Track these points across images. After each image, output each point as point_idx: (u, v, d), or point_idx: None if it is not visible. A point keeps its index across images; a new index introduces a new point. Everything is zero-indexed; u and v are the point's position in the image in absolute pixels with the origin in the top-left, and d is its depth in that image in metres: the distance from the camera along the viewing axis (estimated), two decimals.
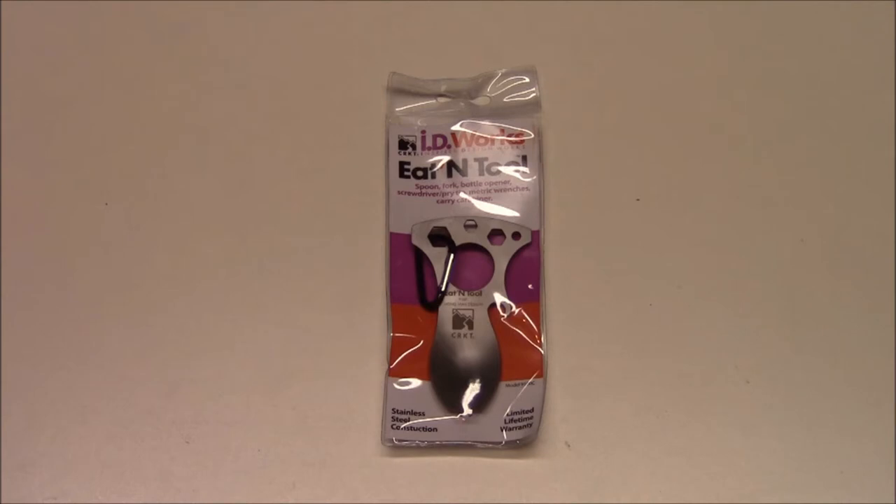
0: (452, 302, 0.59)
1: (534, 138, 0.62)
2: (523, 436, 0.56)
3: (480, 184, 0.61)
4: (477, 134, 0.62)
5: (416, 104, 0.63)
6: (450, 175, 0.61)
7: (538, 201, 0.61)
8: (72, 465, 0.56)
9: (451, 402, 0.57)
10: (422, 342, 0.58)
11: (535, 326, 0.58)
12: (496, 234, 0.60)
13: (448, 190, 0.61)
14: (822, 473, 0.56)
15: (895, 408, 0.57)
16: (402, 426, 0.56)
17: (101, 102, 0.64)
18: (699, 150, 0.62)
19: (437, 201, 0.61)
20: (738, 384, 0.58)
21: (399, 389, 0.57)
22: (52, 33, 0.65)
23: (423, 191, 0.61)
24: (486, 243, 0.60)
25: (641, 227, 0.61)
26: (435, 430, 0.56)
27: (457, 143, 0.62)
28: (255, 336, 0.59)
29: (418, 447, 0.56)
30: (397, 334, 0.58)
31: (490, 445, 0.56)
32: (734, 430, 0.57)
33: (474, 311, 0.59)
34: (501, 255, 0.59)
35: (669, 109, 0.63)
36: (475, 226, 0.60)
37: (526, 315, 0.58)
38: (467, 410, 0.56)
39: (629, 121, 0.63)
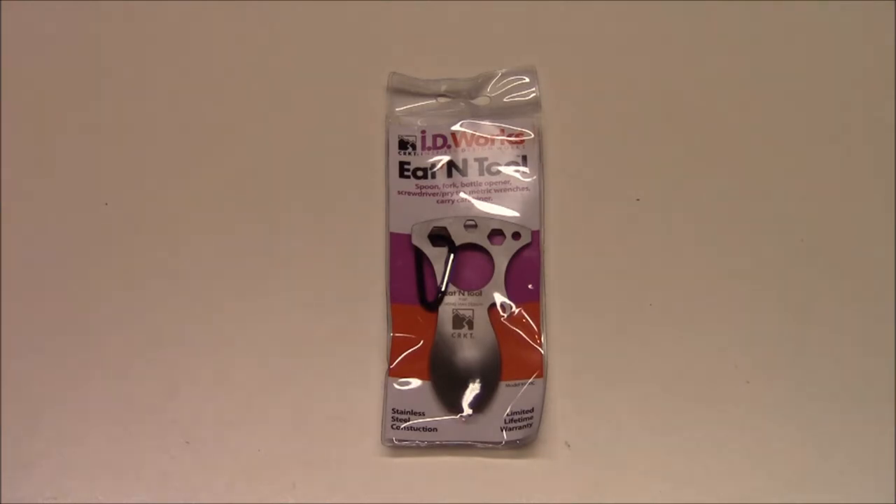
0: (452, 302, 0.59)
1: (534, 138, 0.62)
2: (523, 436, 0.56)
3: (480, 184, 0.61)
4: (477, 134, 0.62)
5: (416, 104, 0.63)
6: (450, 175, 0.61)
7: (538, 201, 0.61)
8: (72, 465, 0.56)
9: (451, 402, 0.57)
10: (422, 342, 0.58)
11: (535, 326, 0.58)
12: (496, 234, 0.60)
13: (448, 190, 0.61)
14: (822, 473, 0.56)
15: (895, 408, 0.57)
16: (402, 426, 0.56)
17: (102, 102, 0.64)
18: (699, 150, 0.62)
19: (437, 201, 0.61)
20: (738, 384, 0.58)
21: (399, 389, 0.57)
22: (52, 33, 0.65)
23: (423, 191, 0.61)
24: (486, 243, 0.60)
25: (641, 227, 0.61)
26: (435, 430, 0.56)
27: (457, 143, 0.62)
28: (255, 336, 0.59)
29: (418, 447, 0.56)
30: (397, 334, 0.58)
31: (490, 445, 0.56)
32: (734, 430, 0.57)
33: (474, 311, 0.59)
34: (501, 255, 0.59)
35: (669, 109, 0.63)
36: (475, 226, 0.60)
37: (526, 315, 0.58)
38: (467, 410, 0.56)
39: (629, 121, 0.63)
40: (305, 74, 0.64)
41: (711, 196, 0.61)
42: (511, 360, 0.57)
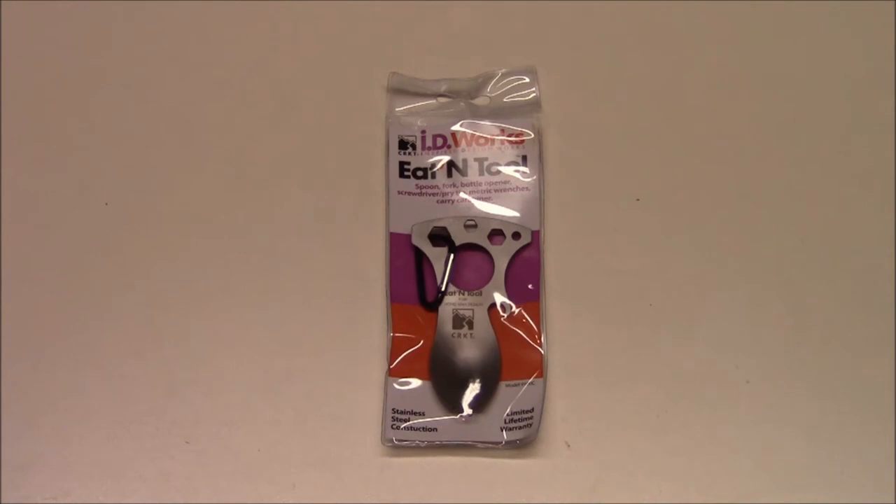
0: (452, 302, 0.59)
1: (534, 138, 0.62)
2: (523, 436, 0.56)
3: (480, 184, 0.61)
4: (477, 134, 0.62)
5: (416, 104, 0.63)
6: (450, 175, 0.61)
7: (538, 201, 0.61)
8: (72, 465, 0.56)
9: (451, 402, 0.57)
10: (422, 342, 0.58)
11: (535, 326, 0.58)
12: (496, 234, 0.60)
13: (448, 190, 0.61)
14: (822, 473, 0.56)
15: (895, 408, 0.57)
16: (402, 426, 0.56)
17: (102, 102, 0.64)
18: (699, 150, 0.62)
19: (437, 201, 0.61)
20: (738, 384, 0.58)
21: (399, 389, 0.57)
22: (52, 33, 0.65)
23: (423, 191, 0.61)
24: (486, 243, 0.60)
25: (641, 227, 0.61)
26: (435, 430, 0.56)
27: (457, 143, 0.62)
28: (255, 336, 0.59)
29: (418, 447, 0.56)
30: (397, 334, 0.58)
31: (490, 445, 0.56)
32: (734, 430, 0.57)
33: (474, 311, 0.59)
34: (501, 255, 0.59)
35: (669, 109, 0.63)
36: (475, 226, 0.60)
37: (526, 315, 0.58)
38: (467, 410, 0.56)
39: (629, 121, 0.63)
40: (306, 74, 0.64)
41: (711, 196, 0.61)
42: (511, 360, 0.57)
